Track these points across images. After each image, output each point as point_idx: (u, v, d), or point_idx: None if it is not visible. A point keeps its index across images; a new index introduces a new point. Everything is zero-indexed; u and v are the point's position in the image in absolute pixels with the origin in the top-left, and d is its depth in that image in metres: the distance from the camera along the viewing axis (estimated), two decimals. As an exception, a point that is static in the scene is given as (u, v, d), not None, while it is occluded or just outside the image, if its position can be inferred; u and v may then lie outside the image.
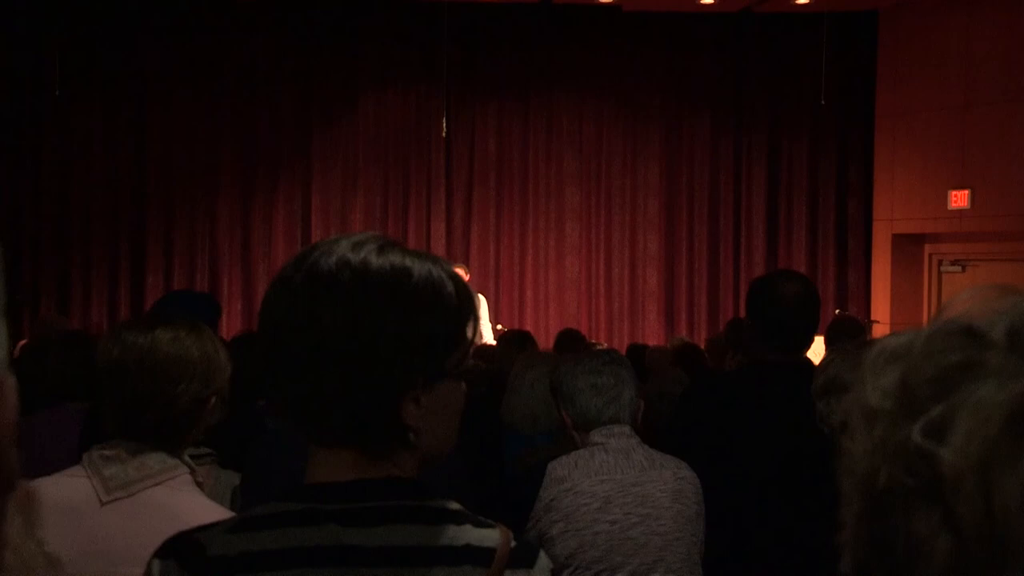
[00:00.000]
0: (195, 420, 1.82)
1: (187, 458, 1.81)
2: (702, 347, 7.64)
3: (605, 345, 9.88)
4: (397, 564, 1.18)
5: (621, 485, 2.63)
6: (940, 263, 11.61)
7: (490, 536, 1.23)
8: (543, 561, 1.27)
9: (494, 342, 9.34)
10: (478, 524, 1.24)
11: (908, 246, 11.49)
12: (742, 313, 3.30)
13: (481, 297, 10.09)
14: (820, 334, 6.17)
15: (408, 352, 1.19)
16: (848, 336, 5.06)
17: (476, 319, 1.28)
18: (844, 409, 0.67)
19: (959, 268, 11.49)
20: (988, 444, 0.58)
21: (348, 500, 1.21)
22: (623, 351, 5.67)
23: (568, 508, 2.61)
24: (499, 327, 10.10)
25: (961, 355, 0.64)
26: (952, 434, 0.60)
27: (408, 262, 1.21)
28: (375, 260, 1.20)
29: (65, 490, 1.71)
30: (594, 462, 2.67)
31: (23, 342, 6.17)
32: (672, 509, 2.66)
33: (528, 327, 10.30)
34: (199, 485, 1.82)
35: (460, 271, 10.27)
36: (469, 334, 1.27)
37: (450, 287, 1.23)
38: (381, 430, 1.21)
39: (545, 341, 9.53)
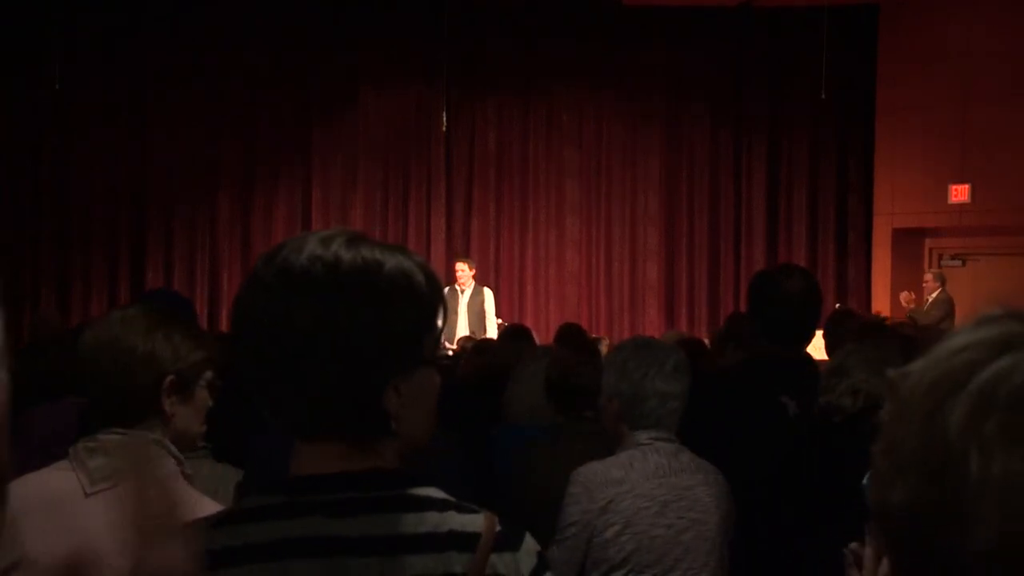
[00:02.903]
0: (155, 402, 1.80)
1: (174, 448, 1.80)
2: (703, 340, 7.62)
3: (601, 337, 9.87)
4: (382, 553, 1.19)
5: (676, 489, 2.63)
6: (940, 257, 11.61)
7: (474, 521, 1.23)
8: (529, 544, 1.27)
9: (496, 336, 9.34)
10: (462, 510, 1.24)
11: (908, 240, 11.49)
12: (742, 307, 3.31)
13: (488, 291, 10.09)
14: (819, 328, 6.18)
15: (385, 343, 1.20)
16: (845, 330, 5.06)
17: (446, 307, 1.29)
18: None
19: (959, 262, 11.50)
20: None
21: (332, 491, 1.21)
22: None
23: (628, 510, 2.59)
24: (499, 321, 10.10)
25: None
26: None
27: (378, 254, 1.22)
28: (346, 254, 1.20)
29: (50, 484, 1.71)
30: (649, 464, 2.64)
31: None
32: (716, 514, 2.67)
33: (528, 321, 10.31)
34: (187, 476, 1.81)
35: (465, 265, 10.28)
36: (440, 322, 1.28)
37: (420, 277, 1.24)
38: (364, 421, 1.22)
39: (546, 335, 9.53)
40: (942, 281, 10.26)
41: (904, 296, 10.50)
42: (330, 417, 1.22)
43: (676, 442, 2.71)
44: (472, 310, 9.79)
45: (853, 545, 1.16)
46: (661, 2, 11.39)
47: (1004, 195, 10.53)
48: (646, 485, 2.61)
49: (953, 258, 11.54)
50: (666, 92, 11.99)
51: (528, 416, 3.67)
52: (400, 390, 1.22)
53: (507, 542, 1.24)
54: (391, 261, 1.22)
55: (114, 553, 1.65)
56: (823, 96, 11.01)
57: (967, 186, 10.82)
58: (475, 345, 5.80)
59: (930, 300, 10.15)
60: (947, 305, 10.05)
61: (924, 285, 10.34)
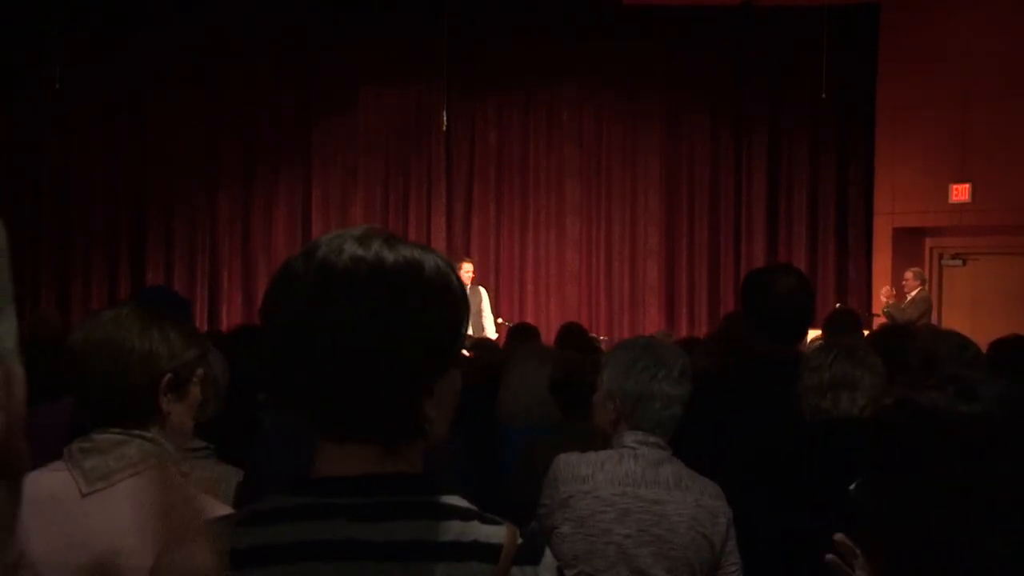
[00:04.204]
0: (152, 400, 1.80)
1: (169, 447, 1.80)
2: (700, 340, 7.62)
3: (603, 338, 9.88)
4: (405, 559, 1.18)
5: (641, 500, 2.55)
6: (941, 257, 11.61)
7: (497, 533, 1.23)
8: (548, 559, 1.27)
9: (495, 335, 9.35)
10: (485, 520, 1.24)
11: (909, 240, 11.49)
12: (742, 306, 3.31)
13: (482, 290, 10.11)
14: (818, 328, 6.19)
15: (428, 344, 1.20)
16: (846, 329, 5.07)
17: (469, 308, 1.29)
18: None
19: (960, 262, 11.50)
20: None
21: (358, 495, 1.20)
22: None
23: (584, 511, 2.54)
24: (499, 320, 10.11)
25: None
26: None
27: (418, 255, 1.21)
28: (388, 255, 1.19)
29: (46, 484, 1.70)
30: (620, 469, 2.56)
31: None
32: (686, 536, 2.57)
33: (528, 320, 10.31)
34: (183, 475, 1.80)
35: (470, 266, 10.30)
36: (467, 324, 1.28)
37: (454, 278, 1.24)
38: (402, 423, 1.21)
39: (546, 335, 9.51)
40: (922, 280, 10.31)
41: (884, 291, 10.54)
42: (369, 420, 1.20)
43: (667, 451, 2.62)
44: (473, 310, 9.82)
45: (838, 536, 1.16)
46: (661, 1, 11.39)
47: (1004, 195, 10.53)
48: (608, 490, 2.54)
49: (953, 258, 11.54)
50: (666, 92, 12.00)
51: (523, 416, 3.67)
52: (433, 392, 1.22)
53: (528, 555, 1.24)
54: (429, 261, 1.21)
55: (112, 553, 1.65)
56: (823, 96, 11.01)
57: (967, 186, 10.82)
58: (474, 344, 5.81)
59: (909, 298, 10.17)
60: (925, 304, 10.08)
61: (904, 283, 10.36)
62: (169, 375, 1.81)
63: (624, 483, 2.56)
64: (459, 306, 1.24)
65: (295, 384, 1.21)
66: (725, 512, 2.62)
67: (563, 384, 3.55)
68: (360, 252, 1.19)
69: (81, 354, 1.80)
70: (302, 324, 1.18)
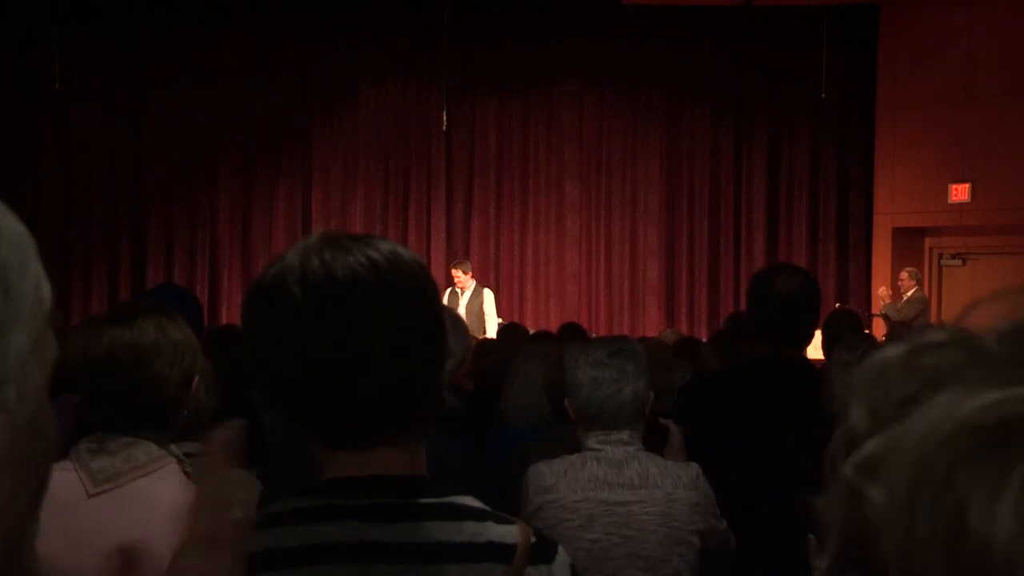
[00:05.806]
0: (183, 401, 1.82)
1: (175, 448, 1.80)
2: (701, 339, 7.63)
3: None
4: (419, 560, 1.18)
5: (606, 504, 2.54)
6: (940, 256, 11.62)
7: (511, 532, 1.22)
8: (562, 556, 1.26)
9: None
10: (499, 520, 1.23)
11: (908, 240, 11.49)
12: (742, 306, 3.29)
13: (487, 291, 10.10)
14: (818, 328, 6.18)
15: (437, 331, 1.20)
16: (847, 330, 5.05)
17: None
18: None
19: (959, 262, 11.50)
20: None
21: (369, 496, 1.19)
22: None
23: (551, 521, 2.54)
24: (500, 321, 10.11)
25: (936, 370, 0.51)
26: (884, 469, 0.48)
27: (392, 246, 1.20)
28: (374, 254, 1.17)
29: (52, 484, 1.71)
30: (583, 474, 2.56)
31: None
32: (658, 532, 2.55)
33: (528, 321, 10.31)
34: (189, 475, 1.80)
35: (459, 272, 10.24)
36: None
37: (421, 261, 1.24)
38: (425, 417, 1.21)
39: (546, 336, 9.52)
40: (918, 280, 10.32)
41: (881, 291, 10.55)
42: (393, 423, 1.18)
43: (633, 446, 2.59)
44: (472, 311, 9.81)
45: (812, 541, 1.16)
46: (661, 1, 11.39)
47: (1004, 195, 10.53)
48: (571, 497, 2.54)
49: (953, 257, 11.54)
50: (666, 91, 12.00)
51: (524, 417, 3.67)
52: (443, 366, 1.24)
53: (542, 554, 1.23)
54: (403, 251, 1.20)
55: (119, 553, 1.65)
56: (823, 95, 11.00)
57: (967, 186, 10.82)
58: (477, 345, 5.81)
59: (905, 298, 10.17)
60: (921, 304, 10.09)
61: (899, 283, 10.37)
62: (197, 377, 1.83)
63: (587, 488, 2.55)
64: (434, 283, 1.24)
65: (313, 404, 1.16)
66: (700, 499, 2.60)
67: (559, 386, 3.55)
68: (349, 259, 1.15)
69: (125, 361, 1.79)
70: (319, 345, 1.12)
